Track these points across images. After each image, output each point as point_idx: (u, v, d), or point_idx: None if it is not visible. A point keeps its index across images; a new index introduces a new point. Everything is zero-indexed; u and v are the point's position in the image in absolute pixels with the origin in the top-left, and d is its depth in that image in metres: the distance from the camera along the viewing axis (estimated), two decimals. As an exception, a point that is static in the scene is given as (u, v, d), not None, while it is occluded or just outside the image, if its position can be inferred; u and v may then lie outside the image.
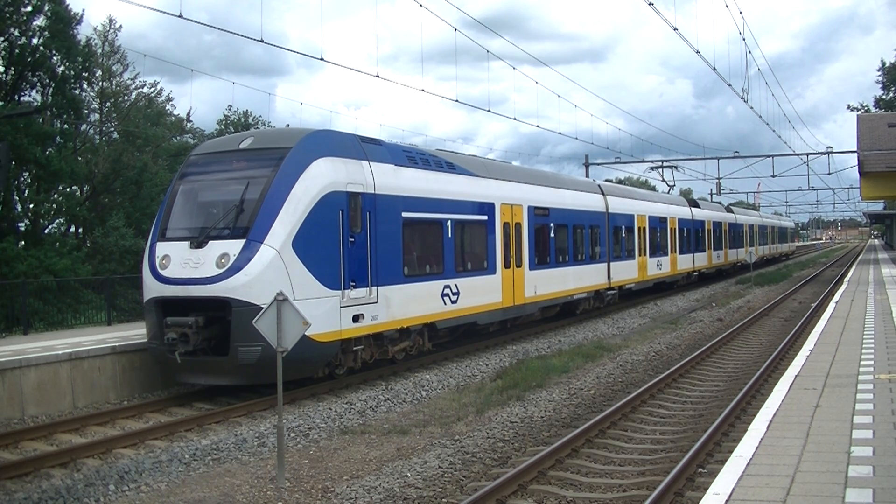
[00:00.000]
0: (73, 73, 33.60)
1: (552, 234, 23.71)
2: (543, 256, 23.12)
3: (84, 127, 37.43)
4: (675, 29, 22.50)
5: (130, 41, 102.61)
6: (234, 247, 13.56)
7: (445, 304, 17.88)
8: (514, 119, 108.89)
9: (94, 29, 39.62)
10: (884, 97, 60.35)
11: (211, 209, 14.74)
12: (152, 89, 43.65)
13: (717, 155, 51.90)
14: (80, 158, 34.69)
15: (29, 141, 29.07)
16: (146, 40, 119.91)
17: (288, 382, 13.28)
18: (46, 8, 31.86)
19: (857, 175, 37.68)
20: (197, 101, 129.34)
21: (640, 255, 31.75)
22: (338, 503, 8.96)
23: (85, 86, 36.00)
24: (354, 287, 14.79)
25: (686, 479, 9.16)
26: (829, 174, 52.05)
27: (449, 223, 18.17)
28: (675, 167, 48.11)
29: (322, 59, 17.63)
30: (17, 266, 27.07)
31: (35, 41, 32.29)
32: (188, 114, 50.04)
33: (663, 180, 47.19)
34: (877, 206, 77.60)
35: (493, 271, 20.03)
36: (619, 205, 29.97)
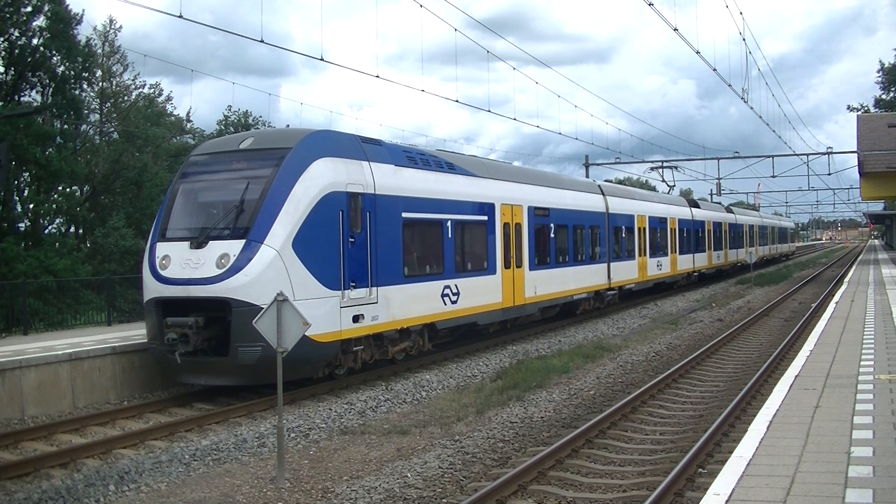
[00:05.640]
0: (73, 73, 33.68)
1: (552, 235, 23.70)
2: (543, 257, 23.11)
3: (84, 127, 37.48)
4: (676, 29, 22.50)
5: (135, 42, 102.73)
6: (234, 247, 13.57)
7: (445, 304, 17.88)
8: (515, 119, 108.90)
9: (94, 29, 39.76)
10: (883, 97, 60.38)
11: (211, 209, 14.73)
12: (152, 89, 43.77)
13: (718, 155, 51.94)
14: (80, 158, 34.73)
15: (29, 141, 29.13)
16: (151, 41, 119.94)
17: (288, 383, 13.27)
18: (46, 8, 31.92)
19: (858, 175, 37.69)
20: (200, 102, 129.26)
21: (640, 255, 31.75)
22: (338, 503, 8.97)
23: (85, 86, 36.11)
24: (354, 287, 14.79)
25: (686, 479, 9.16)
26: (830, 174, 52.14)
27: (449, 223, 18.17)
28: (676, 167, 48.15)
29: (322, 59, 17.65)
30: (17, 266, 27.11)
31: (35, 41, 32.39)
32: (188, 114, 50.10)
33: (663, 181, 47.23)
34: (877, 207, 77.61)
35: (493, 271, 20.02)
36: (619, 205, 29.97)
